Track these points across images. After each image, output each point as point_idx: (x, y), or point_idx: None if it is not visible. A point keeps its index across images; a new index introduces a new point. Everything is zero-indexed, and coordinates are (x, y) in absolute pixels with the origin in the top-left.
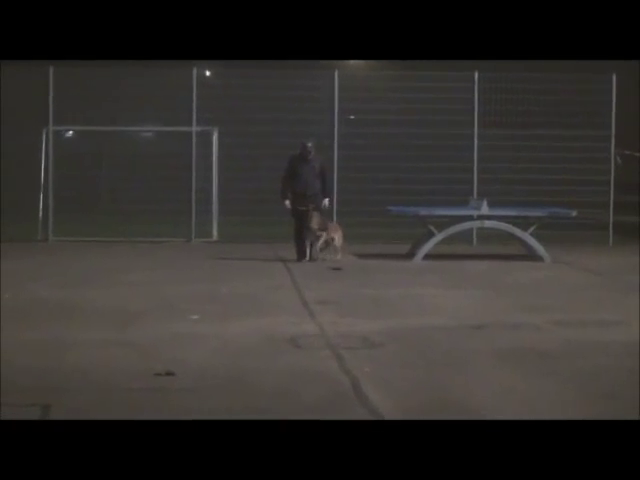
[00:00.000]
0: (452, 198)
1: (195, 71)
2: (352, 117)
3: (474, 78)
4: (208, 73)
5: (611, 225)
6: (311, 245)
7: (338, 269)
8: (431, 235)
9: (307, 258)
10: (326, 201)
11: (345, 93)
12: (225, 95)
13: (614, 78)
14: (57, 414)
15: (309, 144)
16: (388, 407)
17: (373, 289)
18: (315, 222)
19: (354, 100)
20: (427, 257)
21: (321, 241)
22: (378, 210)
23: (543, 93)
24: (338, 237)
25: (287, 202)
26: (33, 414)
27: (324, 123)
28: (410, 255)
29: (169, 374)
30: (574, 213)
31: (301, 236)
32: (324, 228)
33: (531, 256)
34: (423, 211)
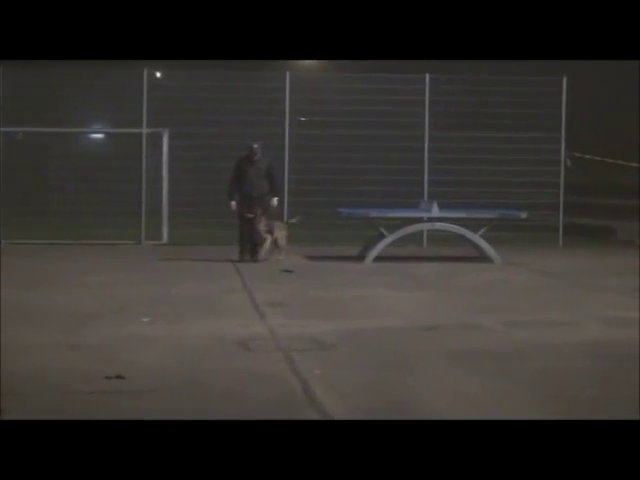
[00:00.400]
0: (403, 200)
1: (146, 72)
2: (303, 119)
3: (425, 80)
4: (159, 74)
5: (561, 227)
6: (256, 246)
7: (289, 271)
8: (382, 237)
9: (250, 259)
10: (274, 201)
11: (297, 95)
12: (175, 97)
13: (564, 80)
14: (8, 417)
15: (255, 145)
16: (338, 409)
17: (324, 291)
18: (262, 225)
19: (306, 102)
20: (378, 259)
21: (267, 243)
22: (329, 212)
23: (494, 95)
24: (281, 237)
25: (233, 203)
26: None
27: (275, 124)
28: (361, 257)
29: (119, 377)
30: (524, 215)
31: (245, 237)
32: (270, 230)
33: (482, 258)
34: (374, 213)
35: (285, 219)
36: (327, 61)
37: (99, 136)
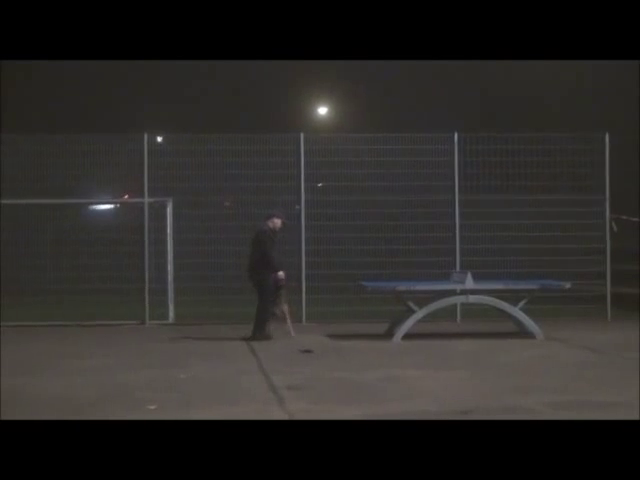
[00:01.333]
0: (432, 271)
1: (146, 137)
2: (320, 184)
3: (454, 139)
4: (160, 139)
5: (609, 297)
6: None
7: (309, 351)
8: (411, 312)
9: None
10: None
11: (312, 158)
12: (179, 163)
13: (607, 137)
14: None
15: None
16: None
17: (348, 372)
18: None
19: (322, 165)
20: (407, 336)
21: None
22: (351, 286)
23: (529, 154)
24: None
25: (281, 273)
26: None
27: (289, 191)
28: (388, 335)
29: None
30: (568, 285)
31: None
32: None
33: (522, 333)
34: (401, 286)
35: (303, 296)
36: (345, 121)
37: (98, 208)
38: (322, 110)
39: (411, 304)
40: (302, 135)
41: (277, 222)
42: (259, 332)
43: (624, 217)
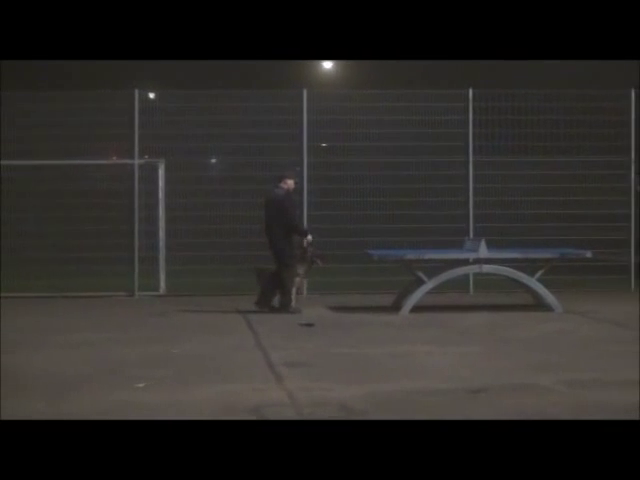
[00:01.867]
0: (444, 239)
1: (137, 93)
2: (324, 145)
3: (468, 96)
4: (152, 96)
5: (633, 267)
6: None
7: (310, 325)
8: (420, 283)
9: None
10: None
11: (315, 117)
12: (173, 121)
13: (632, 93)
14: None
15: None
16: None
17: (352, 348)
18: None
19: (326, 124)
20: (416, 309)
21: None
22: (356, 254)
23: (548, 112)
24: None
25: (310, 237)
26: None
27: (292, 152)
28: (396, 307)
29: None
30: (589, 254)
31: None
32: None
33: (539, 306)
34: (410, 254)
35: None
36: (350, 76)
37: (84, 169)
38: (327, 64)
39: (420, 274)
40: (305, 91)
41: (290, 183)
42: (287, 303)
43: None
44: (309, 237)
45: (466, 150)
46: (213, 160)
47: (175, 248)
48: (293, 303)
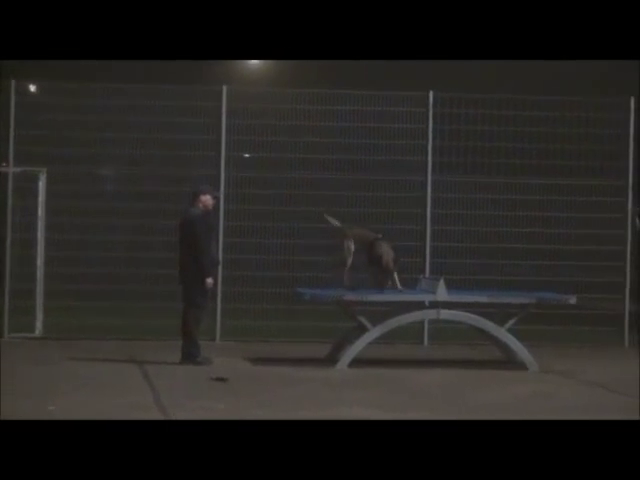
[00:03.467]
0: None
1: (14, 85)
2: (247, 155)
3: (428, 100)
4: (32, 88)
5: (627, 317)
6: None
7: (222, 379)
8: (362, 331)
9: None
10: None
11: (237, 120)
12: (57, 121)
13: (632, 102)
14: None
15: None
16: None
17: (273, 410)
18: None
19: (250, 130)
20: (356, 363)
21: None
22: (283, 292)
23: (527, 124)
24: None
25: (210, 281)
26: None
27: (207, 163)
28: (331, 360)
29: None
30: (573, 300)
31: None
32: None
33: (510, 362)
34: (350, 295)
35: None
36: (282, 70)
37: None
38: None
39: (363, 319)
40: (225, 88)
41: (208, 200)
42: (194, 351)
43: None
44: (208, 280)
45: (424, 167)
46: (107, 171)
47: (56, 279)
48: (201, 351)
